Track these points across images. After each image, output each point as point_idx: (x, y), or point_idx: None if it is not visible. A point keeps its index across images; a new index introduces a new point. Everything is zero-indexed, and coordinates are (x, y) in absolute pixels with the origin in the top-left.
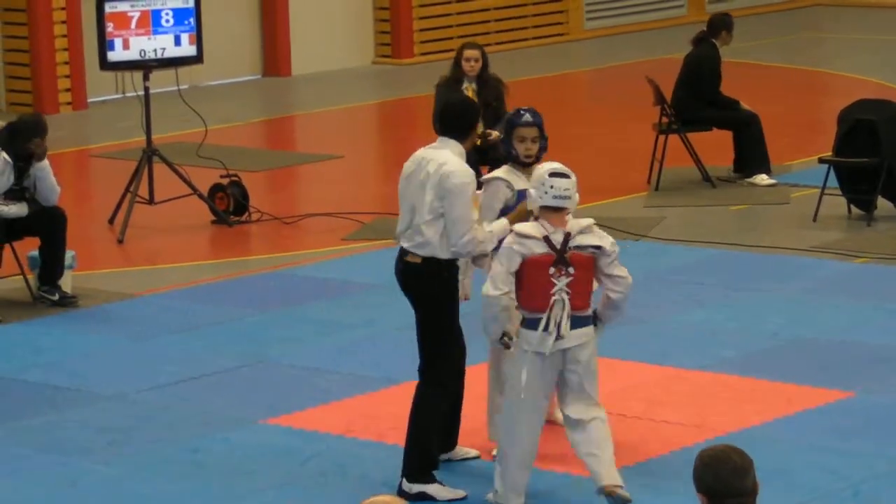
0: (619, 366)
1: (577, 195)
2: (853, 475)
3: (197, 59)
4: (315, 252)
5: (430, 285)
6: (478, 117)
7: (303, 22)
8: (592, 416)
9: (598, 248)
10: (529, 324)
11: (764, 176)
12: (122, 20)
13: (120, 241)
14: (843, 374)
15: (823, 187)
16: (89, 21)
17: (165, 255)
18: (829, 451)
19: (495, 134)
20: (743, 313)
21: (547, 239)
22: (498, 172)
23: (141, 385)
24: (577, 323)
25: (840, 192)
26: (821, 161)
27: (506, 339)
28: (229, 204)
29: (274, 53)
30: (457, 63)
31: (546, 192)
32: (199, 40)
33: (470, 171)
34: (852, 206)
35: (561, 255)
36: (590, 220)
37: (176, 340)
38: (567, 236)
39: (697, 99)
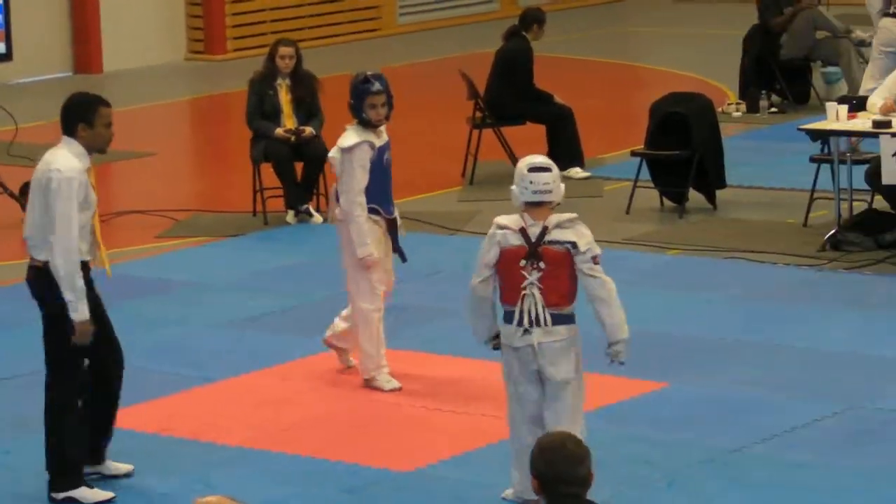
0: (436, 360)
1: (560, 187)
2: (668, 465)
3: (6, 56)
4: (128, 250)
5: (52, 292)
6: (80, 113)
7: (114, 18)
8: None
9: (573, 244)
10: (504, 317)
11: (578, 169)
12: None
13: None
14: (658, 365)
15: (636, 180)
16: None
17: None
18: (645, 442)
19: (309, 130)
20: None
21: (523, 231)
22: (355, 136)
23: None
24: (555, 320)
25: (652, 185)
26: (633, 154)
27: (494, 341)
28: None
29: (85, 50)
30: (271, 59)
31: (526, 188)
32: (7, 37)
33: (76, 167)
34: (664, 199)
35: (533, 249)
36: (572, 215)
37: None
38: (544, 230)
39: (511, 93)
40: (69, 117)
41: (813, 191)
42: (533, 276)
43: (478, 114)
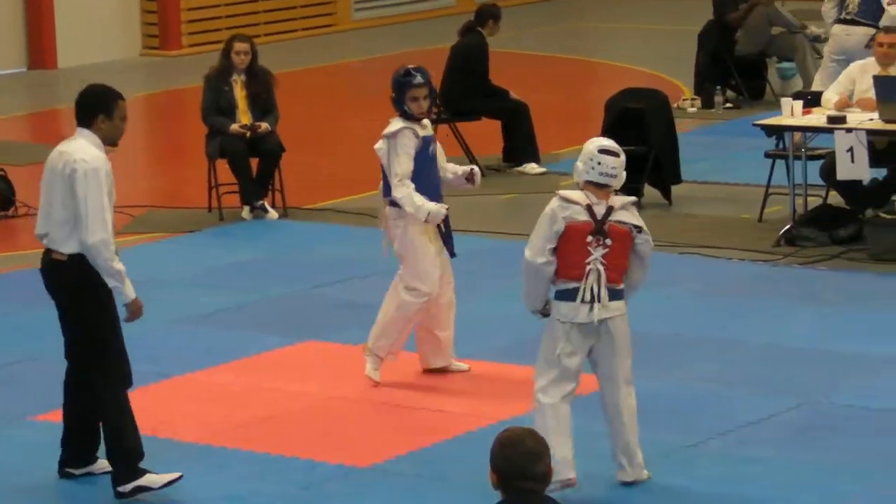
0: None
1: (623, 174)
2: None
3: None
4: None
5: (83, 283)
6: (100, 105)
7: (68, 13)
8: (623, 402)
9: (638, 227)
10: (563, 295)
11: (533, 165)
12: None
13: None
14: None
15: None
16: None
17: None
18: (601, 437)
19: (264, 126)
20: (515, 302)
21: (589, 208)
22: (400, 122)
23: None
24: (611, 296)
25: None
26: None
27: (545, 308)
28: None
29: (39, 46)
30: (226, 55)
31: (593, 168)
32: None
33: (101, 157)
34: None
35: (600, 226)
36: (633, 198)
37: None
38: (609, 209)
39: (467, 89)
40: (88, 108)
41: (768, 186)
42: (598, 253)
43: (434, 109)
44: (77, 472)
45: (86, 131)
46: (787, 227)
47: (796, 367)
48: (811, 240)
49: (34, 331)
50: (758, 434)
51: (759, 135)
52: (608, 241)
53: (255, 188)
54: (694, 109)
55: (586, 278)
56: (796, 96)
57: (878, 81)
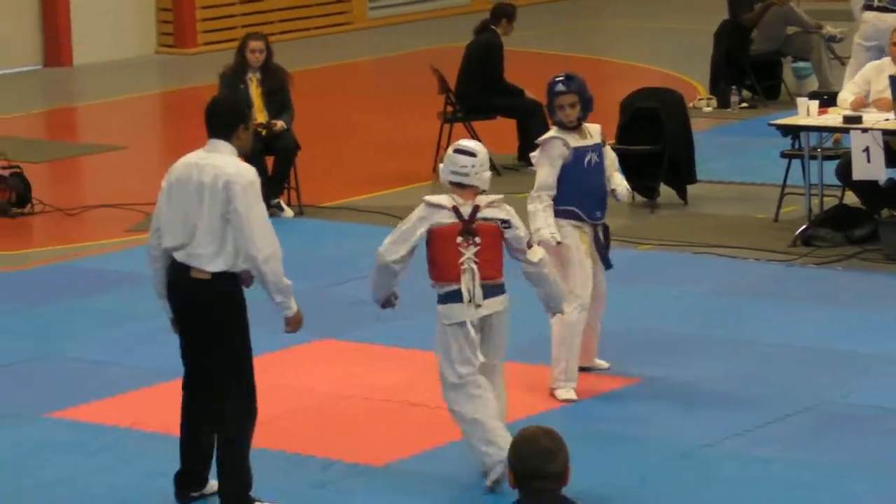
0: (404, 354)
1: (485, 173)
2: (639, 461)
3: None
4: (99, 244)
5: (231, 303)
6: (240, 115)
7: (84, 11)
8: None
9: (506, 221)
10: (448, 297)
11: None
12: None
13: None
14: (629, 360)
15: None
16: None
17: None
18: (616, 438)
19: (280, 124)
20: (529, 300)
21: (456, 209)
22: (552, 132)
23: None
24: (490, 292)
25: None
26: None
27: (391, 300)
28: (11, 195)
29: (55, 43)
30: (241, 53)
31: (450, 168)
32: None
33: (253, 169)
34: (636, 194)
35: (468, 225)
36: (499, 196)
37: None
38: (475, 209)
39: (482, 87)
40: (230, 119)
41: (784, 186)
42: (469, 252)
43: (448, 108)
44: (196, 494)
45: (223, 143)
46: (803, 227)
47: (811, 368)
48: (827, 240)
49: (48, 329)
50: (773, 434)
51: (775, 134)
52: (477, 240)
53: (271, 186)
54: (709, 109)
55: (462, 277)
56: (812, 96)
57: (894, 81)
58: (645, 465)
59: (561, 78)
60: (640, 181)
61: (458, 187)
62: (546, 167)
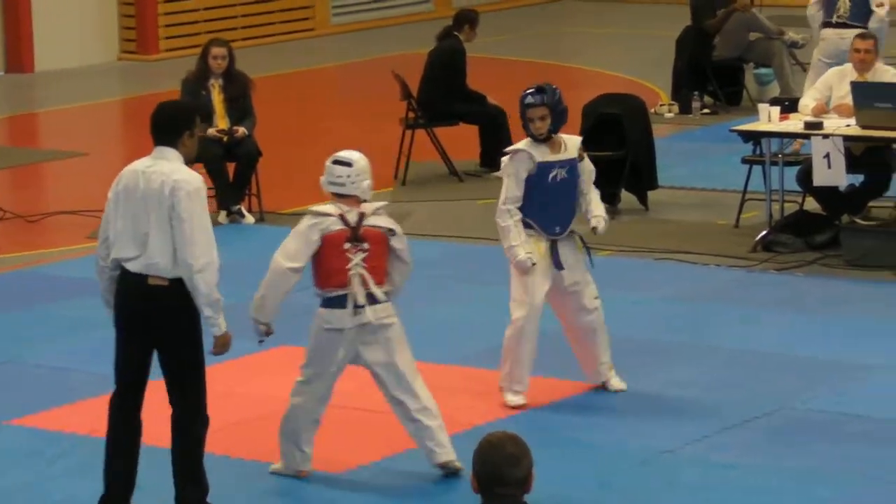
0: None
1: (363, 182)
2: (600, 466)
3: None
4: (60, 250)
5: (186, 310)
6: (185, 121)
7: (46, 17)
8: (422, 406)
9: (392, 230)
10: (331, 302)
11: None
12: None
13: None
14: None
15: None
16: None
17: None
18: (577, 443)
19: (241, 130)
20: (490, 307)
21: (342, 217)
22: (521, 144)
23: None
24: (375, 299)
25: None
26: None
27: (271, 328)
28: None
29: (17, 49)
30: (203, 59)
31: (326, 178)
32: None
33: (200, 177)
34: None
35: (355, 232)
36: (382, 203)
37: None
38: (361, 216)
39: (444, 93)
40: (175, 125)
41: (745, 192)
42: (358, 258)
43: (411, 114)
44: None
45: (170, 150)
46: (764, 232)
47: (772, 373)
48: (787, 245)
49: (9, 336)
50: (734, 440)
51: (736, 140)
52: (366, 246)
53: (232, 193)
54: (671, 115)
55: (350, 284)
56: (773, 102)
57: (856, 87)
58: (605, 471)
59: (531, 90)
60: (602, 187)
61: (339, 197)
62: (512, 179)
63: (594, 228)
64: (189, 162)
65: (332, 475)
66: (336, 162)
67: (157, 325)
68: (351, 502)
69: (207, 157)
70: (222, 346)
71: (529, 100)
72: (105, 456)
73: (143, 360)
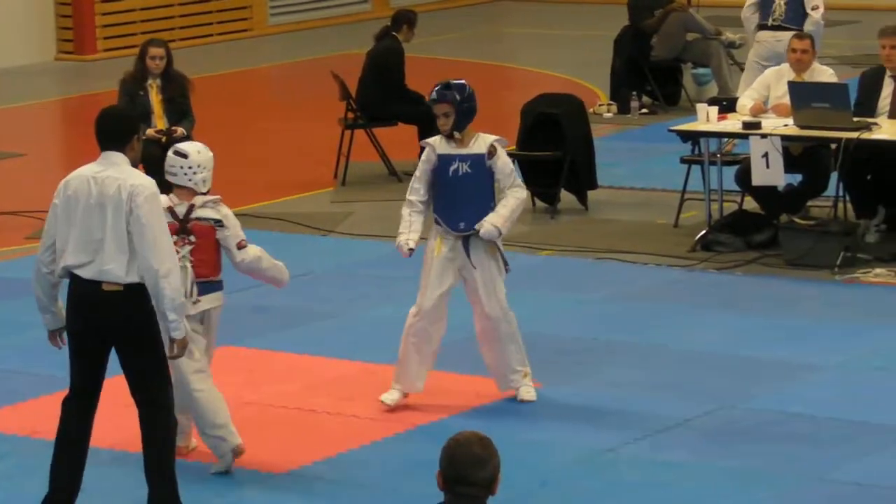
0: (308, 361)
1: (197, 175)
2: (541, 466)
3: None
4: None
5: (143, 312)
6: (134, 126)
7: None
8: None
9: (219, 221)
10: None
11: None
12: None
13: None
14: (532, 366)
15: None
16: None
17: None
18: (517, 443)
19: (180, 130)
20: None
21: (171, 210)
22: (431, 139)
23: None
24: (206, 289)
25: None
26: None
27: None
28: None
29: None
30: (141, 60)
31: (165, 167)
32: None
33: (154, 181)
34: (536, 200)
35: (183, 225)
36: (216, 197)
37: None
38: (190, 208)
39: (383, 94)
40: (123, 130)
41: (684, 192)
42: (185, 251)
43: (350, 114)
44: None
45: (119, 155)
46: (703, 232)
47: (711, 373)
48: (727, 245)
49: None
50: (673, 439)
51: (675, 140)
52: (192, 238)
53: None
54: (610, 115)
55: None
56: (712, 102)
57: (793, 87)
58: (546, 470)
59: (438, 87)
60: (541, 187)
61: (176, 187)
62: (417, 171)
63: (476, 230)
64: (134, 165)
65: (274, 475)
66: (174, 152)
67: (114, 331)
68: (293, 502)
69: (146, 158)
70: (182, 348)
71: (433, 96)
72: (53, 455)
73: (99, 366)
